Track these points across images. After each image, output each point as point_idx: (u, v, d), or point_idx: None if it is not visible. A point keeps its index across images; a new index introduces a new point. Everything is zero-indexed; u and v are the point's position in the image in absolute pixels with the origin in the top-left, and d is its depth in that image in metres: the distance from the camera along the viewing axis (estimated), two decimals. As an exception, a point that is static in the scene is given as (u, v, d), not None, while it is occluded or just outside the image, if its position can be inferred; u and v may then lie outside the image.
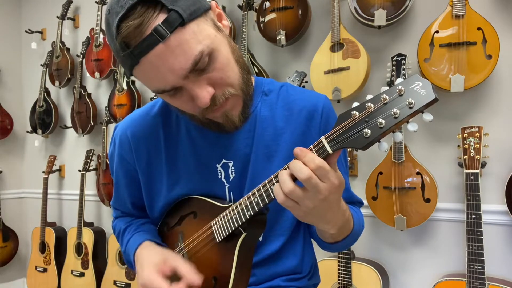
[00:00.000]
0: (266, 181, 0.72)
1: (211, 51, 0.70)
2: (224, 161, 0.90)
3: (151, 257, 0.85)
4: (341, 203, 0.73)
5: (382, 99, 0.60)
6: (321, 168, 0.62)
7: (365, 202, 1.86)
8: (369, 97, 0.62)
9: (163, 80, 0.70)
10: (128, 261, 0.95)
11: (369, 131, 0.60)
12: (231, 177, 0.90)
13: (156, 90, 0.72)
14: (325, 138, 0.65)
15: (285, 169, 0.67)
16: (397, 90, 0.59)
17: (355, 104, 0.63)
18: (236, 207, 0.78)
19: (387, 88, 0.61)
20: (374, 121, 0.60)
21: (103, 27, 2.64)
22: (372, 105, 0.60)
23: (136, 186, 0.98)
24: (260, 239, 0.91)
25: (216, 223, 0.83)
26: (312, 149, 0.66)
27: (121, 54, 0.67)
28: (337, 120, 0.64)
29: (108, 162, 2.70)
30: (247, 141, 0.89)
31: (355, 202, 0.99)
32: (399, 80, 0.60)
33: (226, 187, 0.90)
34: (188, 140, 0.91)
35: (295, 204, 0.66)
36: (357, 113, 0.61)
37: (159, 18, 0.65)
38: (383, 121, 0.59)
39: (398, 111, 0.58)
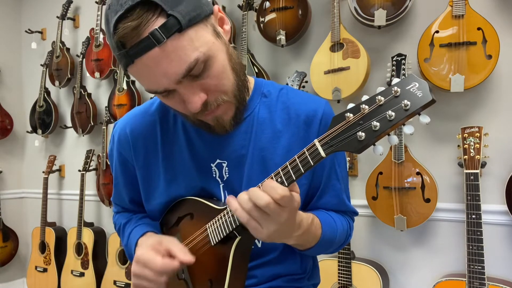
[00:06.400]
0: (260, 185, 0.71)
1: (207, 58, 0.70)
2: (218, 161, 0.90)
3: (147, 242, 0.85)
4: (297, 219, 0.74)
5: (377, 100, 0.58)
6: (283, 198, 0.64)
7: (365, 202, 1.85)
8: (364, 98, 0.60)
9: (156, 82, 0.70)
10: (129, 255, 0.95)
11: (363, 134, 0.58)
12: (225, 177, 0.90)
13: (149, 90, 0.73)
14: (319, 141, 0.63)
15: (259, 186, 0.69)
16: (393, 91, 0.56)
17: (350, 106, 0.61)
18: (230, 209, 0.77)
19: (383, 88, 0.58)
20: (369, 124, 0.58)
21: (103, 22, 2.64)
22: (366, 107, 0.58)
23: (135, 183, 0.98)
24: (259, 245, 0.91)
25: (211, 226, 0.83)
26: (305, 152, 0.65)
27: (117, 52, 0.68)
28: (331, 122, 0.62)
29: (108, 162, 2.71)
30: (243, 142, 0.88)
31: (346, 212, 0.97)
32: (395, 80, 0.58)
33: (221, 185, 0.90)
34: (184, 137, 0.91)
35: (257, 225, 0.68)
36: (351, 115, 0.59)
37: (157, 22, 0.64)
38: (378, 124, 0.57)
39: (393, 114, 0.56)
